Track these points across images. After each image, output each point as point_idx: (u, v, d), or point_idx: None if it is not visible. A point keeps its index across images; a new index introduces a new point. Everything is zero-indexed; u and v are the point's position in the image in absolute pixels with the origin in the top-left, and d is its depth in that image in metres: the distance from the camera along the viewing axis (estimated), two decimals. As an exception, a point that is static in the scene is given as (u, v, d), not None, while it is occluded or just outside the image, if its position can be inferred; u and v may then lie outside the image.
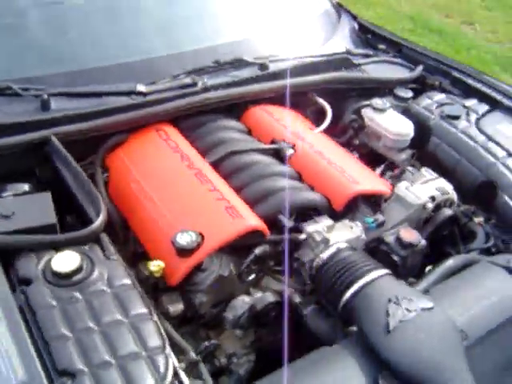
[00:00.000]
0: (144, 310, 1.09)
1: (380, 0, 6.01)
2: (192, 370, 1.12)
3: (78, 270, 1.11)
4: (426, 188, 1.52)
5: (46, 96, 1.49)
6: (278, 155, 1.59)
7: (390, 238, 1.38)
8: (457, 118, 1.79)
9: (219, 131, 1.62)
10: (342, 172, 1.50)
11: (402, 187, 1.51)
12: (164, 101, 1.59)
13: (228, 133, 1.63)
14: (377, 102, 1.80)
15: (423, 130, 1.78)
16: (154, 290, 1.29)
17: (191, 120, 1.66)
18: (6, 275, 1.11)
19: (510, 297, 1.28)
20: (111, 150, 1.55)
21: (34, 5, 1.87)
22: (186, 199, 1.37)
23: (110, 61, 1.73)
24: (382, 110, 1.78)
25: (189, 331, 1.31)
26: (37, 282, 1.09)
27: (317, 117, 1.87)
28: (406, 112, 1.85)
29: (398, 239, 1.37)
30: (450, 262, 1.39)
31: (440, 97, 1.90)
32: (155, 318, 1.10)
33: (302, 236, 1.34)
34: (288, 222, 1.35)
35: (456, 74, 2.00)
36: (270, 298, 1.29)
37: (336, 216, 1.45)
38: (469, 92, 1.94)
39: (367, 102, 1.83)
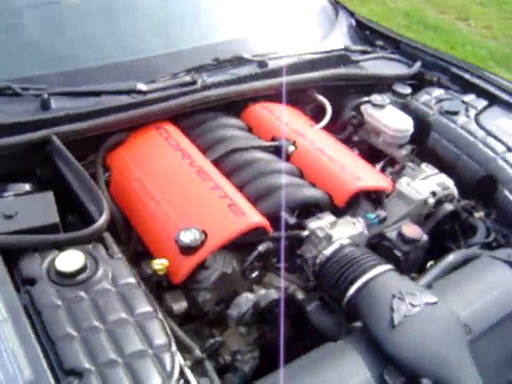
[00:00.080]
0: (149, 309, 1.09)
1: (375, -3, 6.03)
2: (197, 367, 1.13)
3: (83, 269, 1.11)
4: (426, 183, 1.53)
5: (46, 95, 1.49)
6: (279, 152, 1.59)
7: (392, 234, 1.39)
8: (456, 113, 1.79)
9: (220, 129, 1.62)
10: (344, 168, 1.50)
11: (404, 183, 1.51)
12: (164, 99, 1.59)
13: (229, 130, 1.63)
14: (376, 98, 1.80)
15: (423, 125, 1.79)
16: (157, 288, 1.29)
17: (191, 118, 1.66)
18: (10, 275, 1.11)
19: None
20: (112, 149, 1.55)
21: (31, 5, 1.86)
22: (189, 197, 1.37)
23: (108, 60, 1.73)
24: (381, 106, 1.79)
25: (192, 329, 1.32)
26: (41, 281, 1.09)
27: (316, 114, 1.87)
28: (405, 108, 1.86)
29: (400, 235, 1.37)
30: (451, 257, 1.40)
31: (439, 92, 1.91)
32: (160, 316, 1.10)
33: (305, 232, 1.35)
34: (290, 219, 1.36)
35: (454, 69, 2.00)
36: (274, 294, 1.29)
37: (337, 212, 1.45)
38: (467, 87, 1.95)
39: (366, 99, 1.84)
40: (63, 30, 1.82)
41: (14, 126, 1.42)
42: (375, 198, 1.54)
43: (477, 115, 1.79)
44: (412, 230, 1.38)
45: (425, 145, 1.78)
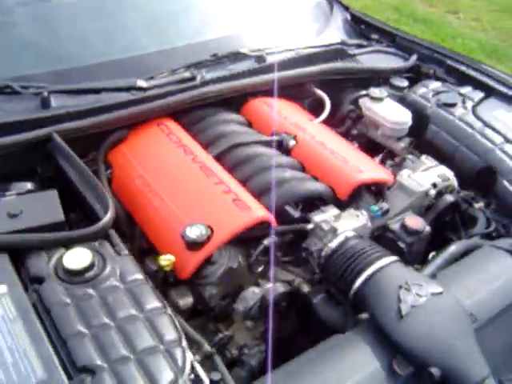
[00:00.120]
0: (158, 304, 1.09)
1: (365, -10, 6.03)
2: (206, 362, 1.13)
3: (91, 266, 1.11)
4: (427, 175, 1.54)
5: (46, 93, 1.48)
6: (280, 147, 1.59)
7: (395, 226, 1.40)
8: (453, 105, 1.81)
9: (220, 124, 1.62)
10: (345, 161, 1.51)
11: (405, 175, 1.53)
12: (164, 95, 1.58)
13: (229, 126, 1.63)
14: (374, 91, 1.81)
15: (421, 118, 1.80)
16: (163, 284, 1.29)
17: (191, 114, 1.66)
18: (17, 274, 1.11)
19: (515, 279, 1.30)
20: (113, 146, 1.55)
21: (23, 3, 1.85)
22: (193, 193, 1.37)
23: (105, 57, 1.72)
24: (379, 100, 1.80)
25: (198, 324, 1.32)
26: (49, 279, 1.09)
27: (314, 108, 1.88)
28: (403, 101, 1.87)
29: (404, 226, 1.39)
30: (453, 248, 1.41)
31: (436, 85, 1.92)
32: (169, 311, 1.10)
33: (310, 226, 1.35)
34: (294, 213, 1.36)
35: (450, 62, 2.02)
36: (281, 288, 1.30)
37: (340, 205, 1.46)
38: (463, 80, 1.96)
39: (364, 92, 1.85)
40: (57, 28, 1.80)
41: (15, 125, 1.41)
42: (376, 190, 1.54)
43: (474, 107, 1.81)
44: (415, 222, 1.39)
45: (423, 137, 1.80)
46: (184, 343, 1.04)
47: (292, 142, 1.59)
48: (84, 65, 1.67)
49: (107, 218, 1.22)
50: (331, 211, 1.38)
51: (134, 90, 1.58)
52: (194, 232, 1.23)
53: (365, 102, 1.82)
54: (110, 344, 0.99)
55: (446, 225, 1.59)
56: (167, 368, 0.98)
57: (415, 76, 2.04)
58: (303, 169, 1.55)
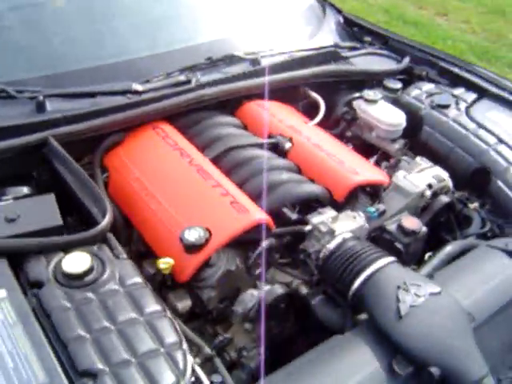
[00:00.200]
0: (158, 308, 1.09)
1: (355, -7, 6.06)
2: (206, 365, 1.13)
3: (90, 270, 1.11)
4: (422, 176, 1.55)
5: (41, 97, 1.48)
6: (276, 149, 1.60)
7: (392, 227, 1.41)
8: (447, 106, 1.82)
9: (216, 127, 1.63)
10: (342, 163, 1.52)
11: (400, 176, 1.54)
12: (160, 99, 1.59)
13: (225, 129, 1.63)
14: (368, 93, 1.82)
15: (415, 119, 1.81)
16: (160, 288, 1.29)
17: (187, 117, 1.66)
18: (16, 279, 1.10)
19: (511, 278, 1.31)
20: (109, 149, 1.54)
21: (17, 7, 1.84)
22: (190, 196, 1.37)
23: (97, 62, 1.72)
24: (373, 102, 1.81)
25: (195, 327, 1.32)
26: (48, 284, 1.08)
27: (308, 110, 1.89)
28: (397, 102, 1.88)
29: (400, 227, 1.39)
30: (449, 248, 1.42)
31: (429, 87, 1.93)
32: (169, 314, 1.10)
33: (308, 227, 1.36)
34: (292, 215, 1.37)
35: (442, 64, 2.04)
36: (279, 290, 1.30)
37: (336, 207, 1.46)
38: (456, 81, 1.98)
39: (358, 94, 1.86)
40: (50, 32, 1.80)
41: (11, 129, 1.41)
42: (372, 192, 1.55)
43: (467, 108, 1.82)
44: (411, 223, 1.40)
45: (417, 138, 1.81)
46: (185, 346, 1.04)
47: (288, 145, 1.60)
48: (77, 69, 1.67)
49: (105, 221, 1.22)
50: (328, 213, 1.39)
51: (129, 94, 1.58)
52: (193, 235, 1.23)
53: (359, 104, 1.83)
54: (110, 348, 0.99)
55: (441, 225, 1.60)
56: (169, 371, 0.98)
57: (408, 78, 2.05)
58: (299, 171, 1.55)
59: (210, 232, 1.25)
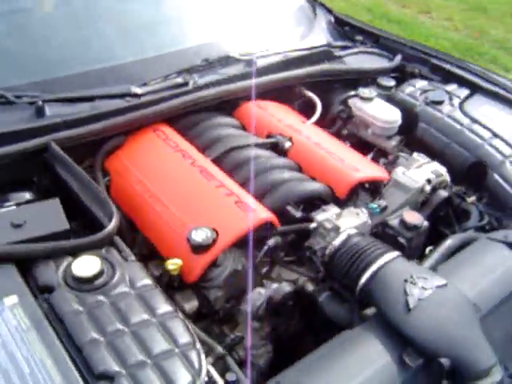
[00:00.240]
0: (170, 308, 1.09)
1: (338, -8, 6.10)
2: (217, 364, 1.14)
3: (100, 273, 1.11)
4: (421, 172, 1.57)
5: (40, 102, 1.47)
6: (276, 149, 1.61)
7: (394, 222, 1.43)
8: (441, 103, 1.85)
9: (215, 128, 1.63)
10: (342, 161, 1.54)
11: (400, 172, 1.56)
12: (158, 101, 1.59)
13: (224, 129, 1.64)
14: (364, 91, 1.84)
15: (410, 116, 1.84)
16: (167, 289, 1.29)
17: (186, 119, 1.67)
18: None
19: (512, 269, 1.34)
20: (109, 153, 1.54)
21: (4, 13, 1.83)
22: (195, 197, 1.38)
23: (93, 66, 1.71)
24: (369, 99, 1.83)
25: (202, 327, 1.32)
26: (59, 288, 1.08)
27: (304, 109, 1.90)
28: (391, 100, 1.90)
29: (403, 222, 1.41)
30: (450, 242, 1.44)
31: (422, 84, 1.96)
32: (180, 315, 1.10)
33: (313, 225, 1.37)
34: (296, 213, 1.38)
35: (434, 60, 2.06)
36: (287, 288, 1.31)
37: (337, 204, 1.48)
38: (448, 78, 2.01)
39: (353, 93, 1.88)
40: (39, 38, 1.79)
41: (11, 135, 1.40)
42: (372, 188, 1.57)
43: (461, 104, 1.85)
44: (413, 217, 1.42)
45: (413, 135, 1.83)
46: (198, 345, 1.05)
47: (288, 144, 1.61)
48: (68, 74, 1.66)
49: (112, 224, 1.21)
50: (332, 210, 1.40)
51: (128, 97, 1.58)
52: (200, 235, 1.24)
53: (355, 102, 1.85)
54: (125, 350, 0.99)
55: (440, 219, 1.62)
56: (184, 371, 0.98)
57: (401, 76, 2.08)
58: (300, 170, 1.57)
59: (216, 232, 1.26)
